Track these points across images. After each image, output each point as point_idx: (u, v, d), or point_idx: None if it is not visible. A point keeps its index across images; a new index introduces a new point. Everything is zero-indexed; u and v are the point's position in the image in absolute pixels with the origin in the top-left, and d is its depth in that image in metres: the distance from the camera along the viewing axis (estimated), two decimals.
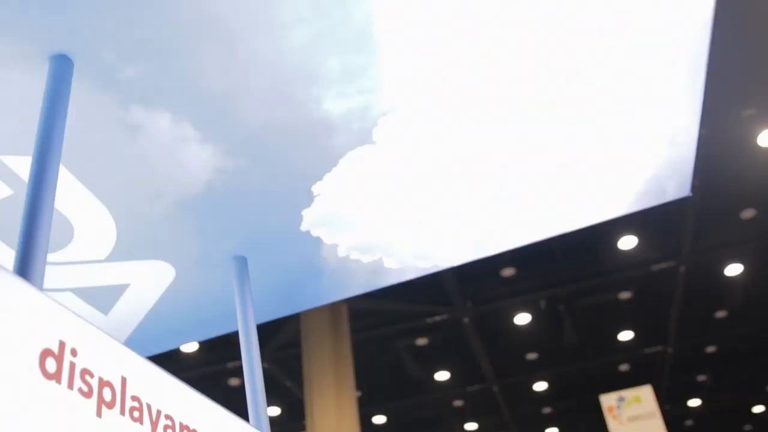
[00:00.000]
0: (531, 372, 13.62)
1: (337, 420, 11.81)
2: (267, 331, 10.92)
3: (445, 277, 10.23)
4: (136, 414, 1.56)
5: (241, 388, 2.60)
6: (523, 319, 11.79)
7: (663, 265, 10.87)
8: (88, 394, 1.43)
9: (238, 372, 11.66)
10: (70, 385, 1.39)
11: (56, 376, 1.36)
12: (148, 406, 1.62)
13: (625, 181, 2.72)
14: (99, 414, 1.44)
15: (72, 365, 1.41)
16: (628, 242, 10.37)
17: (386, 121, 2.24)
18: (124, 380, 1.56)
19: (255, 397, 2.48)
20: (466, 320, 11.42)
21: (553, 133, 2.49)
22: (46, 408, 1.30)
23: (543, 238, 2.86)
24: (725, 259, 11.02)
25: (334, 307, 11.80)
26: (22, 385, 1.26)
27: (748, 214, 10.30)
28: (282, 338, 11.93)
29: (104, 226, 2.34)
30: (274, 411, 13.48)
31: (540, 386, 14.07)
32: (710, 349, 13.67)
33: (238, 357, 2.56)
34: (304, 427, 11.43)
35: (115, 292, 2.60)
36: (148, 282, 2.58)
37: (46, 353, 1.35)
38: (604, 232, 10.18)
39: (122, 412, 1.52)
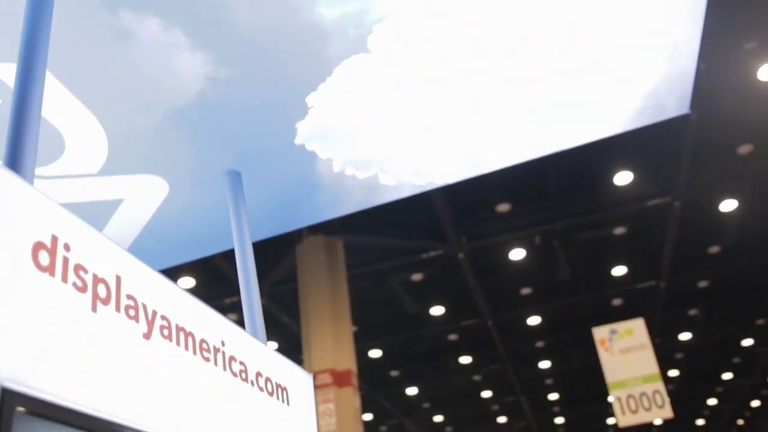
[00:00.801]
0: (525, 307, 13.78)
1: (334, 354, 12.00)
2: (263, 267, 10.98)
3: (441, 213, 10.26)
4: (131, 312, 1.56)
5: (239, 323, 2.61)
6: (518, 254, 11.87)
7: (658, 201, 10.89)
8: (82, 289, 1.42)
9: (236, 308, 11.77)
10: (64, 279, 1.38)
11: (50, 269, 1.35)
12: (144, 306, 1.62)
13: (623, 96, 2.68)
14: (94, 309, 1.44)
15: (65, 260, 1.40)
16: (623, 178, 10.36)
17: (381, 29, 2.19)
18: (118, 279, 1.56)
19: (251, 311, 2.49)
20: (461, 256, 11.49)
21: (552, 46, 2.43)
22: (40, 299, 1.30)
23: (539, 155, 2.84)
24: (720, 195, 11.04)
25: (330, 242, 11.86)
26: (14, 274, 1.25)
27: (745, 149, 10.27)
28: (278, 274, 12.01)
29: (95, 138, 2.31)
30: (272, 345, 13.67)
31: (534, 321, 14.26)
32: (702, 284, 13.83)
33: (235, 293, 2.56)
34: (301, 361, 11.60)
35: (109, 207, 2.58)
36: (142, 197, 2.56)
37: (38, 246, 1.34)
38: (599, 168, 10.17)
39: (117, 309, 1.51)
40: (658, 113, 2.80)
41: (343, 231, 11.32)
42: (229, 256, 2.81)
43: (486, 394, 18.38)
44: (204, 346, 1.78)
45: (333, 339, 12.07)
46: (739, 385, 20.49)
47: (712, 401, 21.96)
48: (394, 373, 16.20)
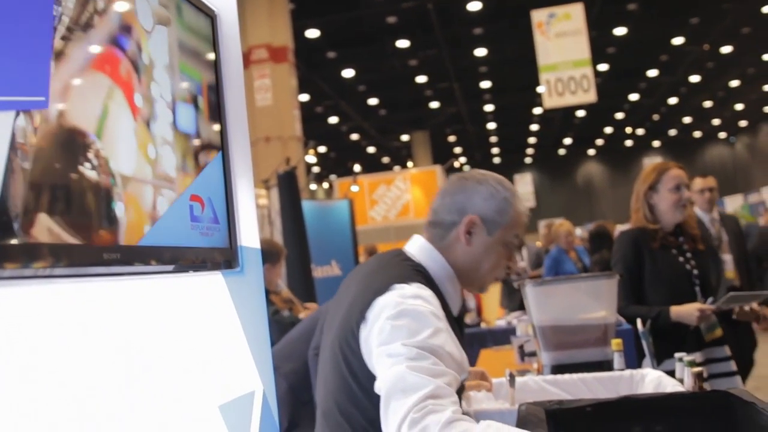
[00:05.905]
0: None
1: (270, 29, 11.78)
2: None
3: None
4: None
5: None
6: None
7: None
8: None
9: None
10: None
11: None
12: None
13: None
14: None
15: None
16: None
17: None
18: None
19: None
20: None
21: None
22: None
23: None
24: None
25: None
26: None
27: None
28: None
29: None
30: None
31: (474, 6, 14.03)
32: None
33: None
34: None
35: None
36: None
37: None
38: None
39: None
40: None
41: None
42: None
43: (421, 79, 18.75)
44: None
45: (268, 14, 11.76)
46: (661, 83, 21.45)
47: (633, 96, 23.09)
48: (331, 54, 16.18)
